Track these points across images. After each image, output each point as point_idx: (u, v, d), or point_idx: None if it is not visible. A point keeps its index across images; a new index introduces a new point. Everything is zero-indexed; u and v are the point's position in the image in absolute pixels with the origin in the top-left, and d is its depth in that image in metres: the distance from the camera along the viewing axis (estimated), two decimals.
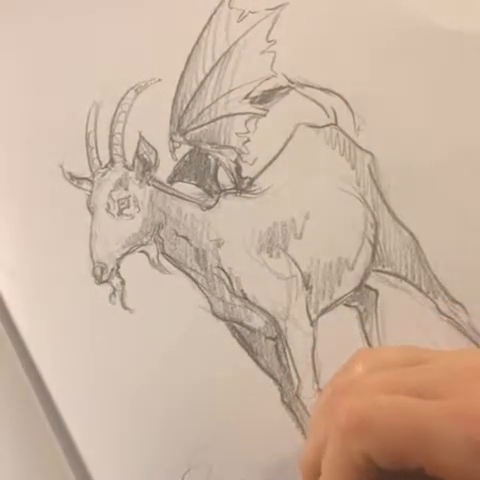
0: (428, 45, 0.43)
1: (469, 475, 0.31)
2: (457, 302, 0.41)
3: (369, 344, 0.42)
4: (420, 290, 0.42)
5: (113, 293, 0.45)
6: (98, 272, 0.46)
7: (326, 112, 0.44)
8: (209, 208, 0.45)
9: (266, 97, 0.45)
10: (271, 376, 0.43)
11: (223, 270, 0.44)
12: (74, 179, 0.47)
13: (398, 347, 0.37)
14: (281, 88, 0.45)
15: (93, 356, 0.45)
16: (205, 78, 0.46)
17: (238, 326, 0.44)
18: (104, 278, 0.46)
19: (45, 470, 0.45)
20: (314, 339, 0.43)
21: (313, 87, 0.44)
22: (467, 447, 0.30)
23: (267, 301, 0.44)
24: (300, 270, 0.43)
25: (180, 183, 0.46)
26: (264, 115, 0.45)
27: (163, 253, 0.45)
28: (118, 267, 0.46)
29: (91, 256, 0.46)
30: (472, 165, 0.42)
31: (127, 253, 0.46)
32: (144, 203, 0.46)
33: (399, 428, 0.31)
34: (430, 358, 0.35)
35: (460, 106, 0.42)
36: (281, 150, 0.44)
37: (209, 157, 0.45)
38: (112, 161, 0.47)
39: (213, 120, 0.45)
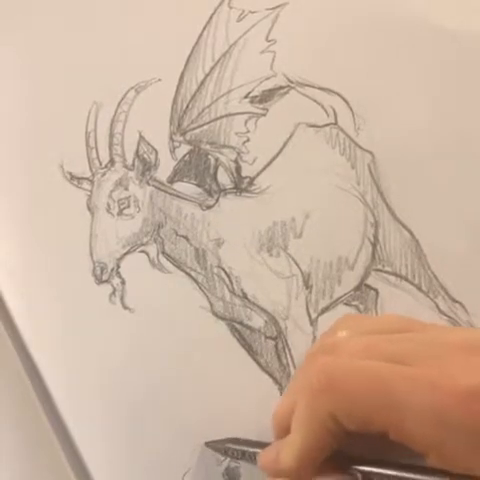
0: (428, 45, 0.43)
1: (431, 444, 0.31)
2: (457, 301, 0.41)
3: None
4: (420, 289, 0.42)
5: (113, 293, 0.46)
6: (98, 272, 0.46)
7: (326, 111, 0.44)
8: (209, 208, 0.45)
9: (266, 97, 0.45)
10: (271, 375, 0.43)
11: (223, 269, 0.44)
12: (74, 179, 0.47)
13: (386, 315, 0.37)
14: (281, 88, 0.45)
15: (93, 356, 0.45)
16: (205, 78, 0.46)
17: (238, 326, 0.44)
18: (104, 278, 0.46)
19: (45, 470, 0.45)
20: (314, 338, 0.43)
21: (313, 87, 0.44)
22: (431, 416, 0.30)
23: (267, 300, 0.44)
24: (300, 269, 0.43)
25: (180, 183, 0.46)
26: (264, 115, 0.45)
27: (163, 253, 0.45)
28: (118, 267, 0.46)
29: (91, 256, 0.46)
30: (473, 165, 0.42)
31: (127, 253, 0.46)
32: (144, 203, 0.46)
33: (366, 391, 0.32)
34: (413, 328, 0.35)
35: (461, 106, 0.42)
36: (281, 150, 0.44)
37: (209, 157, 0.45)
38: (112, 161, 0.47)
39: (213, 120, 0.45)
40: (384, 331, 0.35)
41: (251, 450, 0.40)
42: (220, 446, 0.42)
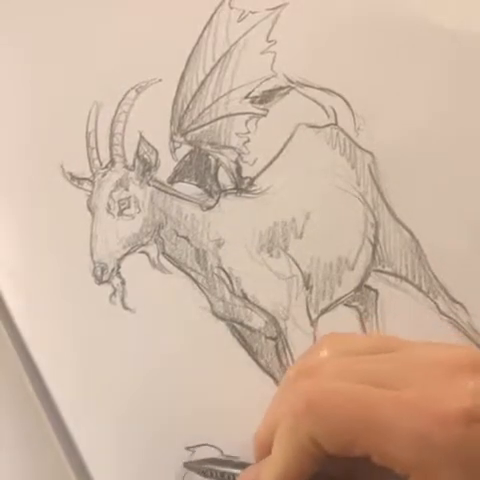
0: (428, 45, 0.43)
1: (414, 467, 0.31)
2: (457, 302, 0.41)
3: None
4: (420, 290, 0.42)
5: (113, 293, 0.46)
6: (98, 272, 0.46)
7: (326, 112, 0.44)
8: (209, 208, 0.45)
9: (266, 97, 0.45)
10: (271, 376, 0.43)
11: (223, 270, 0.44)
12: (74, 179, 0.47)
13: (366, 334, 0.38)
14: (281, 88, 0.45)
15: (93, 356, 0.45)
16: (205, 78, 0.46)
17: (238, 326, 0.44)
18: (104, 278, 0.46)
19: (45, 469, 0.45)
20: (314, 339, 0.43)
21: (313, 87, 0.44)
22: (414, 440, 0.30)
23: (267, 301, 0.44)
24: (300, 270, 0.43)
25: (180, 183, 0.46)
26: (264, 115, 0.45)
27: (163, 253, 0.45)
28: (119, 267, 0.46)
29: (91, 256, 0.46)
30: (473, 165, 0.42)
31: (128, 253, 0.46)
32: (145, 203, 0.46)
33: (348, 414, 0.32)
34: (394, 348, 0.35)
35: (461, 106, 0.42)
36: (281, 150, 0.44)
37: (209, 157, 0.45)
38: (112, 161, 0.47)
39: (213, 120, 0.45)
40: (366, 351, 0.35)
41: (230, 471, 0.40)
42: (198, 467, 0.42)
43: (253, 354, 0.43)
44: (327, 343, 0.37)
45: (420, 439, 0.30)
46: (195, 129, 0.46)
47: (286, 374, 0.37)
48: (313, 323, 0.43)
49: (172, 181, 0.46)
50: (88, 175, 0.47)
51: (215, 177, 0.45)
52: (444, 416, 0.30)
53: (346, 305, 0.43)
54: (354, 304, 0.43)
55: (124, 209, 0.46)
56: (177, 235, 0.45)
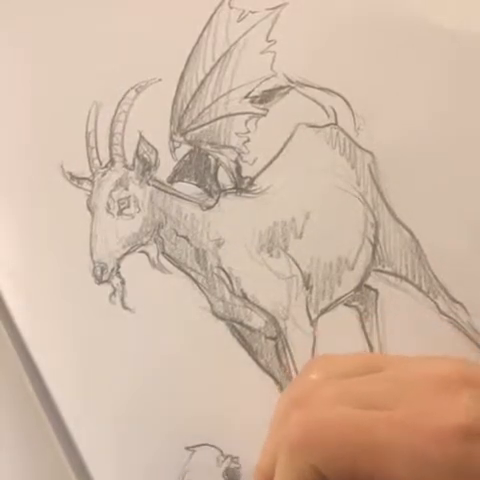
0: (428, 45, 0.43)
1: None
2: (457, 302, 0.41)
3: (369, 344, 0.42)
4: (420, 290, 0.42)
5: (113, 293, 0.46)
6: (98, 272, 0.46)
7: (326, 112, 0.44)
8: (209, 208, 0.45)
9: (266, 97, 0.45)
10: (271, 376, 0.43)
11: (223, 270, 0.44)
12: (74, 179, 0.47)
13: (353, 355, 0.38)
14: (281, 88, 0.45)
15: (93, 356, 0.45)
16: (205, 78, 0.46)
17: (238, 326, 0.44)
18: (104, 278, 0.46)
19: (45, 470, 0.45)
20: (314, 339, 0.43)
21: (313, 87, 0.44)
22: (414, 457, 0.31)
23: (267, 301, 0.44)
24: (300, 270, 0.43)
25: (180, 183, 0.46)
26: (264, 115, 0.45)
27: (163, 253, 0.45)
28: (118, 267, 0.46)
29: (91, 256, 0.46)
30: (473, 165, 0.42)
31: (127, 253, 0.46)
32: (144, 203, 0.46)
33: (343, 441, 0.32)
34: (384, 366, 0.35)
35: (461, 106, 0.42)
36: (281, 150, 0.44)
37: (209, 157, 0.45)
38: (112, 161, 0.47)
39: (213, 120, 0.45)
40: (355, 372, 0.35)
41: None
42: None
43: (253, 354, 0.43)
44: (314, 367, 0.37)
45: (419, 456, 0.30)
46: (195, 129, 0.46)
47: (279, 402, 0.37)
48: (313, 323, 0.43)
49: (172, 181, 0.46)
50: (88, 175, 0.47)
51: (215, 177, 0.45)
52: (440, 433, 0.30)
53: (346, 305, 0.43)
54: (354, 304, 0.43)
55: (124, 208, 0.46)
56: (177, 235, 0.45)
